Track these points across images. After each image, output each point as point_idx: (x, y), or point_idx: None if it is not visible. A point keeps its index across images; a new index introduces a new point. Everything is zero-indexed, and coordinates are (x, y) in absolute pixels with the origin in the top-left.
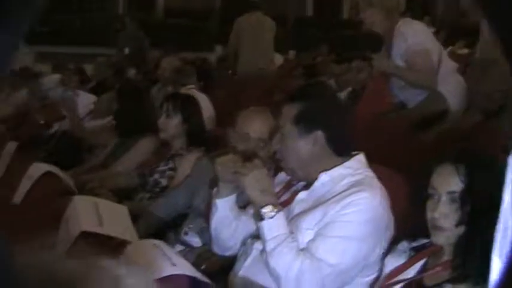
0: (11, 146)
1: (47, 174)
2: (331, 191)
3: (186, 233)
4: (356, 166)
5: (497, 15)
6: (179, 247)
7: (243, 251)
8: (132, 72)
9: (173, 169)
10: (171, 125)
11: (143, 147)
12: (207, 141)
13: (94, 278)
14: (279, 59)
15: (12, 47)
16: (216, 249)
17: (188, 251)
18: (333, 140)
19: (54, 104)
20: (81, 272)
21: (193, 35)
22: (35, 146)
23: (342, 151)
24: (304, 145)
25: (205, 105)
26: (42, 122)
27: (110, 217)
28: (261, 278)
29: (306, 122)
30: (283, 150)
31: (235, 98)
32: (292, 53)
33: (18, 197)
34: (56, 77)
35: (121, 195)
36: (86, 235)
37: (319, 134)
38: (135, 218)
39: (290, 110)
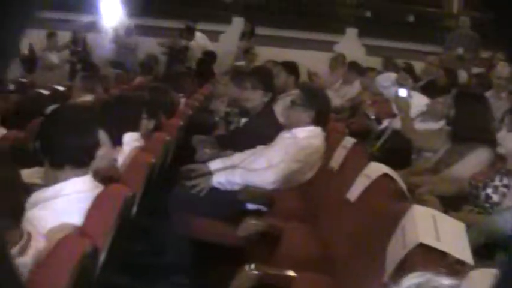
0: (349, 141)
1: (383, 175)
2: None
3: None
4: None
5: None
6: None
7: None
8: (463, 75)
9: (507, 186)
10: (510, 140)
11: (478, 157)
12: None
13: None
14: None
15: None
16: None
17: None
18: None
19: (386, 101)
20: None
21: None
22: (365, 139)
23: None
24: None
25: None
26: (372, 117)
27: (447, 233)
28: None
29: None
30: None
31: None
32: None
33: (352, 194)
34: (392, 75)
35: (448, 204)
36: (421, 248)
37: None
38: None
39: None
